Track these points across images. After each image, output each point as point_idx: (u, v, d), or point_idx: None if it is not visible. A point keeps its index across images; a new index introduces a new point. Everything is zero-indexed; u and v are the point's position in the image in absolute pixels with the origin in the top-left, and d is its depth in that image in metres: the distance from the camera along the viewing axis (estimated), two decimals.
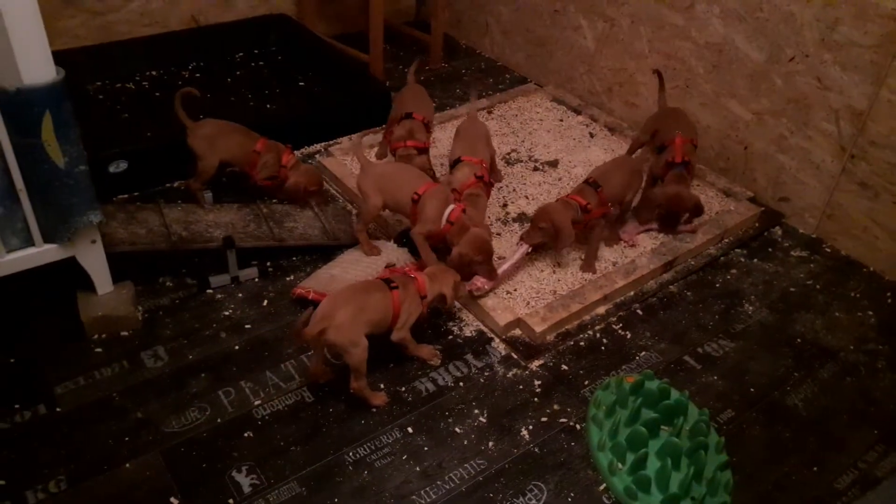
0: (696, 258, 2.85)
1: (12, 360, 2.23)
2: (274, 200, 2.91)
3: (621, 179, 2.74)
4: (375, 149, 3.29)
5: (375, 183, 2.57)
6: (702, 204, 2.82)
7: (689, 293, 2.70)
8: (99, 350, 2.28)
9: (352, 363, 2.05)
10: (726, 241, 2.96)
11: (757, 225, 3.06)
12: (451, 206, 2.49)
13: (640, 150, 3.11)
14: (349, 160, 3.21)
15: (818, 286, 2.79)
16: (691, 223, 2.89)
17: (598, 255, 2.76)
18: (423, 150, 2.92)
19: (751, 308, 2.66)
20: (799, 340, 2.53)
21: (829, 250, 2.98)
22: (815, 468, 2.10)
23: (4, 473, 1.91)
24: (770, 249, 2.97)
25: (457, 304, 2.50)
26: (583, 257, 2.74)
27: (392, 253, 2.65)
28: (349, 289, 2.13)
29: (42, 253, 2.18)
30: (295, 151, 2.94)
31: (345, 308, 2.03)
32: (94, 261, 2.28)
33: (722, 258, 2.88)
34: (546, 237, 2.58)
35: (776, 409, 2.27)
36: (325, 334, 2.00)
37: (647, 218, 2.88)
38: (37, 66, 1.88)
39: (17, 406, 2.09)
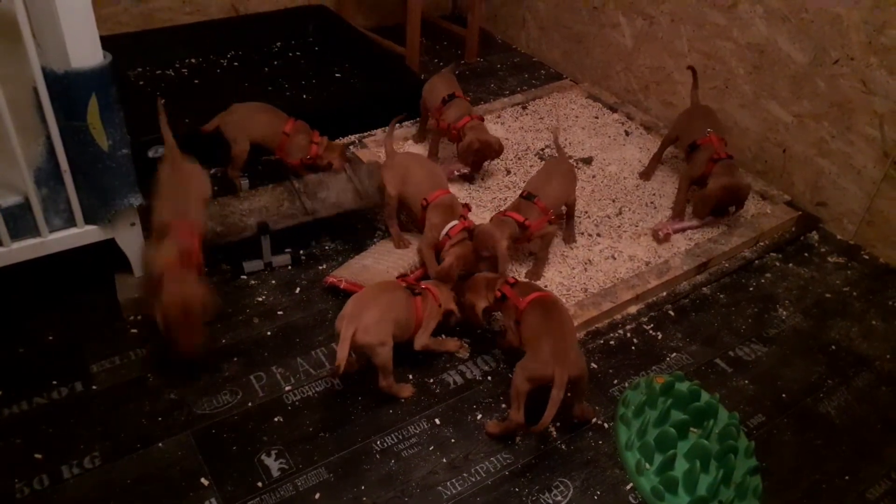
0: (730, 261, 2.82)
1: (51, 338, 2.28)
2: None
3: (559, 183, 2.64)
4: (409, 141, 3.31)
5: (395, 172, 2.60)
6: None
7: (722, 296, 2.67)
8: (134, 331, 2.33)
9: (379, 363, 2.04)
10: (761, 244, 2.92)
11: (793, 229, 3.01)
12: (454, 223, 2.46)
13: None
14: (383, 152, 3.21)
15: (855, 293, 2.74)
16: (737, 211, 2.89)
17: (632, 255, 2.74)
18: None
19: (785, 313, 2.62)
20: (833, 347, 2.49)
21: (867, 257, 2.93)
22: (846, 477, 2.07)
23: (41, 448, 1.96)
24: (806, 254, 2.92)
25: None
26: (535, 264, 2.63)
27: None
28: (372, 289, 2.12)
29: (83, 234, 2.22)
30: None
31: (371, 308, 2.02)
32: (132, 243, 2.32)
33: (756, 262, 2.84)
34: (486, 263, 2.47)
35: (808, 416, 2.24)
36: (354, 335, 1.98)
37: (705, 213, 2.81)
38: (85, 50, 1.91)
39: (54, 382, 2.14)
